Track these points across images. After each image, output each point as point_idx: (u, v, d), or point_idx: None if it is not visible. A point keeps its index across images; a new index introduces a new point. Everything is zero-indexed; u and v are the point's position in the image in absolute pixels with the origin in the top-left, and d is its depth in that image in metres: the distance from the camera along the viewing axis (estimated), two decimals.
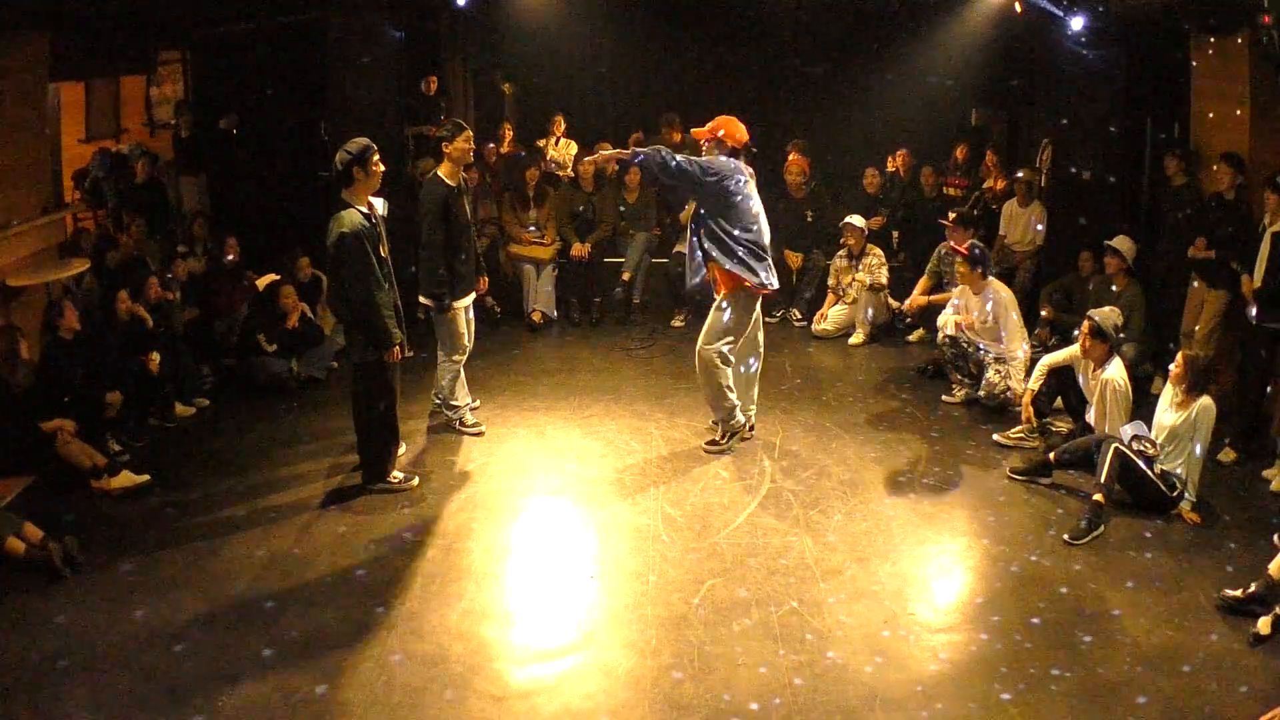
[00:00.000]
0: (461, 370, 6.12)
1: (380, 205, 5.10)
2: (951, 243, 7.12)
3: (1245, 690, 3.79)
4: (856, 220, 8.10)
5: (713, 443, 5.88)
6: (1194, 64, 7.08)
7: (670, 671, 3.87)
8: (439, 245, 5.72)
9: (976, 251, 6.61)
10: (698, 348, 5.75)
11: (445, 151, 5.79)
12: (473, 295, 6.07)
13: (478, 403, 6.42)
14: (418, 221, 5.86)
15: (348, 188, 4.93)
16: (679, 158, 5.43)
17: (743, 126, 5.65)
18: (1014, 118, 9.88)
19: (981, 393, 6.55)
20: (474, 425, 6.16)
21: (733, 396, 5.82)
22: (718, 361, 5.69)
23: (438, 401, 6.20)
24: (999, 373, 6.43)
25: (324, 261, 5.85)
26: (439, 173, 5.79)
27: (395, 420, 5.30)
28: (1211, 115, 6.96)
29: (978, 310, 6.58)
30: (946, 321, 6.76)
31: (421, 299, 5.93)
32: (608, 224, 8.65)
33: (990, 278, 6.61)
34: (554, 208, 8.64)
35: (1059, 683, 3.83)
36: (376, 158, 4.96)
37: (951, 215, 7.49)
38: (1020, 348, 6.44)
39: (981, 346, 6.58)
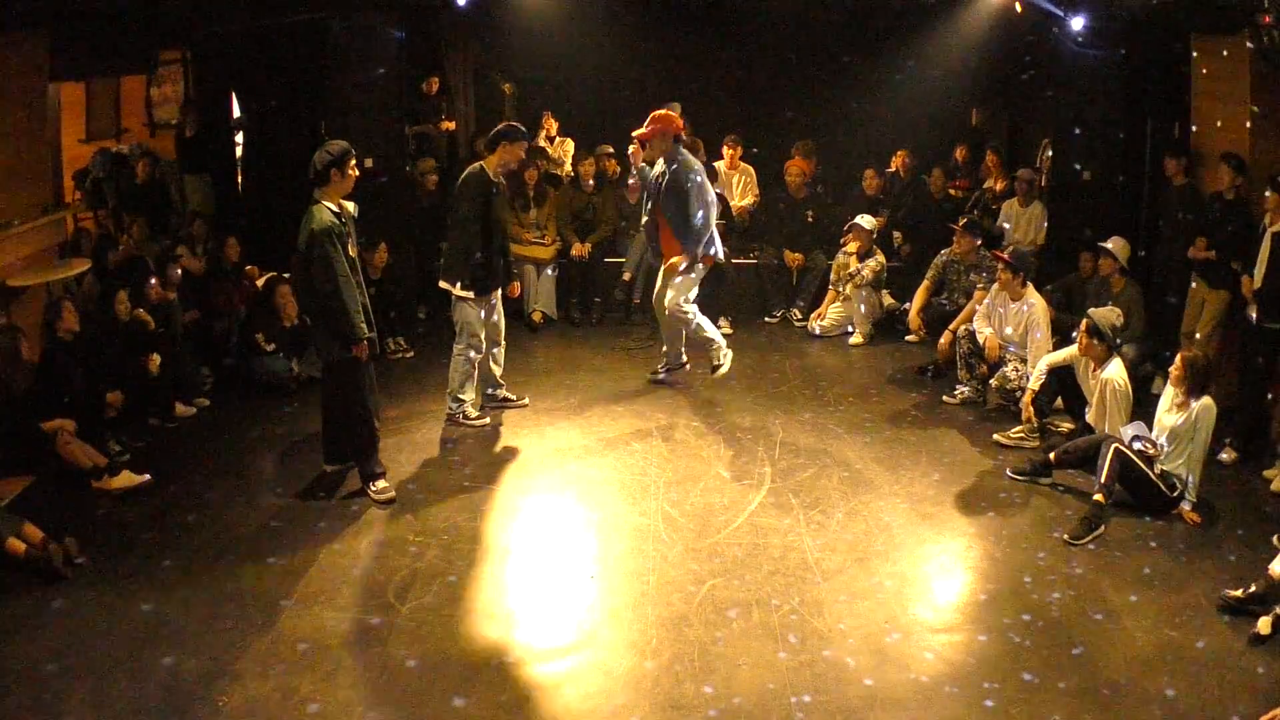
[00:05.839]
0: (476, 369, 6.15)
1: (352, 207, 5.19)
2: (961, 248, 7.15)
3: (1245, 690, 3.79)
4: (865, 222, 8.00)
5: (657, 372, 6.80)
6: (1194, 64, 7.08)
7: (670, 671, 3.87)
8: (474, 230, 5.83)
9: (1019, 258, 6.45)
10: (666, 305, 6.39)
11: (499, 148, 5.90)
12: (496, 293, 6.12)
13: (526, 400, 6.52)
14: (452, 208, 6.02)
15: (322, 187, 5.05)
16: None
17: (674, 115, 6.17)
18: (1014, 118, 9.89)
19: (994, 381, 6.46)
20: (478, 418, 6.20)
21: (713, 332, 6.58)
22: (688, 315, 6.40)
23: (452, 404, 6.20)
24: (1018, 370, 6.36)
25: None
26: (484, 164, 5.93)
27: (370, 420, 5.25)
28: (1212, 115, 6.95)
29: (1014, 319, 6.42)
30: (979, 328, 6.59)
31: (442, 283, 6.04)
32: (608, 224, 8.65)
33: (1029, 285, 6.44)
34: (554, 208, 8.64)
35: (1059, 682, 3.83)
36: (354, 162, 5.08)
37: (961, 220, 7.47)
38: (1042, 363, 6.05)
39: (1011, 347, 6.48)
